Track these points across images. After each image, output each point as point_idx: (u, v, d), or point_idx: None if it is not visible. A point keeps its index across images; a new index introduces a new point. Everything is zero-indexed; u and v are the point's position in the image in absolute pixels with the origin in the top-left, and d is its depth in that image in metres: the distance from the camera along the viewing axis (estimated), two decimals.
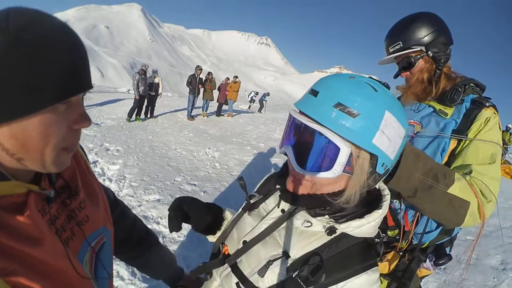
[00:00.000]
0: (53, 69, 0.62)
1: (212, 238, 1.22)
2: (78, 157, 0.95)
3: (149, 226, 4.15)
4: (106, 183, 5.50)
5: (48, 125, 0.65)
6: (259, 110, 24.11)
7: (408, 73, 1.77)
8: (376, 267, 0.86)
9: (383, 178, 0.89)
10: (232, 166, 7.36)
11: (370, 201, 0.92)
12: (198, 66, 13.38)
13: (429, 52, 1.66)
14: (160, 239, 3.92)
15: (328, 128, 0.78)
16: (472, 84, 1.66)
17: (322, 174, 0.81)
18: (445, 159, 1.58)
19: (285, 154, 0.91)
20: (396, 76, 1.83)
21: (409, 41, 1.68)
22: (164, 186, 5.57)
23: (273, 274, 0.86)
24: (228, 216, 1.24)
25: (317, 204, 0.88)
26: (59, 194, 0.82)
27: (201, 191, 5.70)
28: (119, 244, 1.14)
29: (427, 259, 1.71)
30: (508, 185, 9.02)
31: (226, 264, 1.00)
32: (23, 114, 0.62)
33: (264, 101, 25.35)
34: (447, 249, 1.74)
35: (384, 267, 1.74)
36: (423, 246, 1.72)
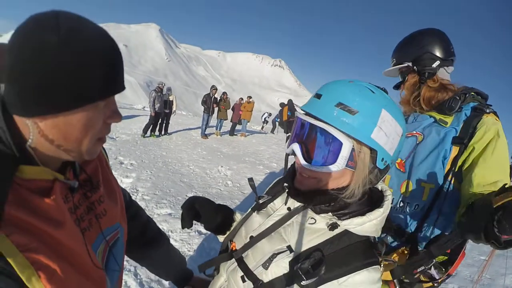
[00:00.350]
0: (99, 70, 0.69)
1: (222, 238, 1.27)
2: (100, 155, 1.02)
3: None
4: None
5: (90, 119, 0.73)
6: (272, 131, 24.18)
7: (402, 85, 1.93)
8: (377, 266, 0.89)
9: (384, 175, 0.94)
10: (244, 185, 7.38)
11: (373, 201, 0.97)
12: (213, 86, 13.59)
13: (415, 67, 1.80)
14: None
15: (331, 125, 0.86)
16: (472, 93, 1.71)
17: (327, 168, 0.88)
18: (448, 166, 1.61)
19: (293, 154, 0.98)
20: (394, 87, 1.97)
21: (400, 58, 1.87)
22: (176, 201, 5.62)
23: (277, 267, 0.90)
24: (238, 217, 1.30)
25: (322, 200, 0.93)
26: (81, 186, 0.88)
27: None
28: (132, 242, 1.17)
29: (432, 267, 1.65)
30: None
31: (233, 259, 1.05)
32: (71, 108, 0.68)
33: (277, 122, 25.38)
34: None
35: (386, 275, 1.71)
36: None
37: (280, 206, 1.06)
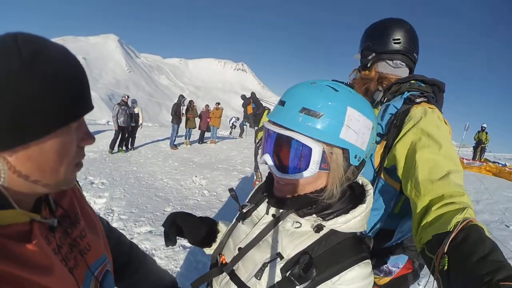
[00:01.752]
0: (66, 91, 0.65)
1: (208, 251, 1.27)
2: (73, 186, 0.96)
3: None
4: None
5: (63, 145, 0.68)
6: (240, 135, 24.18)
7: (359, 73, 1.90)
8: (368, 260, 0.90)
9: (361, 169, 0.96)
10: (221, 193, 7.32)
11: (355, 197, 0.98)
12: (181, 95, 13.48)
13: (360, 58, 1.84)
14: None
15: (298, 132, 0.86)
16: (412, 81, 1.59)
17: (301, 175, 0.89)
18: (376, 163, 1.51)
19: (266, 163, 0.97)
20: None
21: (368, 49, 1.81)
22: (154, 217, 5.48)
23: (269, 276, 0.90)
24: (222, 227, 1.29)
25: (303, 204, 0.94)
26: (60, 223, 0.81)
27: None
28: (119, 272, 1.11)
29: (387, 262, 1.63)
30: (490, 181, 9.51)
31: (225, 273, 1.03)
32: (42, 135, 0.63)
33: (244, 126, 25.42)
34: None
35: None
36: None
37: (264, 213, 1.05)
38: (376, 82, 1.76)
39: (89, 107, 0.72)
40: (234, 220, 1.17)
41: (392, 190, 1.51)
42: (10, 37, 0.62)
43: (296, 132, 0.86)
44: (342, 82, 0.97)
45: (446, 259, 0.89)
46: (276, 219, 0.98)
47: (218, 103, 15.57)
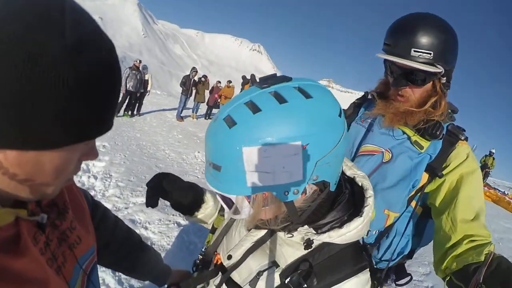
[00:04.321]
0: (97, 104, 0.55)
1: (189, 219, 1.26)
2: None
3: (137, 231, 3.96)
4: (91, 181, 5.24)
5: (65, 161, 0.59)
6: None
7: (408, 89, 1.48)
8: (367, 269, 0.87)
9: (326, 191, 0.82)
10: None
11: (355, 203, 0.88)
12: (193, 68, 13.25)
13: (443, 78, 1.45)
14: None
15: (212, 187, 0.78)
16: (449, 111, 1.52)
17: (242, 216, 0.82)
18: (413, 192, 1.49)
19: None
20: (396, 84, 1.49)
21: (440, 55, 1.37)
22: None
23: (265, 284, 0.87)
24: (209, 198, 1.25)
25: (275, 228, 0.87)
26: (48, 215, 0.70)
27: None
28: (103, 250, 1.04)
29: (388, 279, 1.69)
30: (489, 207, 9.24)
31: (220, 273, 1.00)
32: (47, 148, 0.53)
33: None
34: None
35: None
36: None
37: None
38: (431, 108, 1.48)
39: (107, 129, 0.61)
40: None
41: (416, 215, 1.55)
42: (58, 3, 0.49)
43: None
44: (268, 81, 0.75)
45: (483, 286, 1.06)
46: (269, 231, 0.92)
47: (230, 81, 15.30)
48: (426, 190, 1.48)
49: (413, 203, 1.51)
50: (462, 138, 1.45)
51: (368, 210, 0.84)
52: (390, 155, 1.51)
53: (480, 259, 1.15)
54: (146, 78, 11.82)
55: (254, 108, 0.70)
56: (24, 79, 0.45)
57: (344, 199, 0.86)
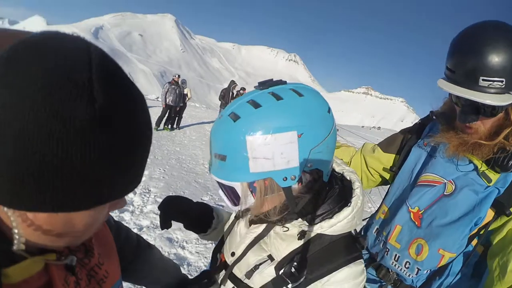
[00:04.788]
0: (126, 168, 0.53)
1: (203, 237, 1.29)
2: None
3: (173, 250, 3.83)
4: (130, 196, 5.20)
5: (95, 218, 0.58)
6: None
7: (479, 121, 1.26)
8: (360, 260, 0.91)
9: (320, 180, 0.89)
10: None
11: (345, 197, 0.93)
12: (233, 81, 13.27)
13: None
14: (185, 267, 3.61)
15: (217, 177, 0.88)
16: None
17: (243, 207, 0.91)
18: (475, 231, 1.29)
19: None
20: (464, 120, 1.27)
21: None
22: None
23: (262, 276, 0.93)
24: (219, 215, 1.29)
25: (272, 220, 0.92)
26: (75, 255, 0.69)
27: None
28: (126, 269, 1.03)
29: None
30: None
31: (223, 271, 1.08)
32: (76, 210, 0.51)
33: None
34: None
35: None
36: None
37: None
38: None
39: (138, 183, 0.60)
40: (233, 218, 1.19)
41: (477, 254, 1.34)
42: (84, 53, 0.48)
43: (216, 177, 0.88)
44: (264, 84, 0.88)
45: None
46: (267, 226, 0.98)
47: None
48: (490, 228, 1.27)
49: (474, 242, 1.31)
50: None
51: (356, 200, 0.91)
52: (453, 187, 1.32)
53: None
54: (185, 92, 11.96)
55: (255, 104, 0.81)
56: (54, 144, 0.43)
57: (335, 193, 0.93)
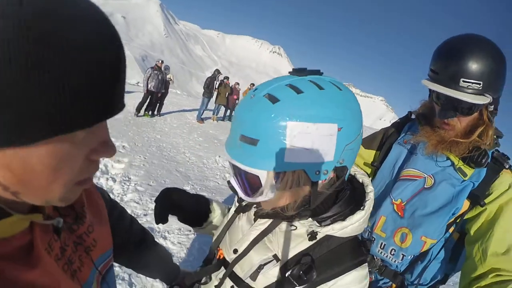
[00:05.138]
0: (77, 83, 0.44)
1: (198, 230, 1.26)
2: None
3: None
4: (109, 183, 5.10)
5: (59, 158, 0.49)
6: None
7: (456, 118, 1.42)
8: (366, 263, 0.90)
9: (342, 178, 0.87)
10: None
11: (356, 198, 0.93)
12: (217, 70, 13.11)
13: (491, 106, 1.39)
14: None
15: (240, 163, 0.79)
16: (494, 136, 1.45)
17: (260, 198, 0.84)
18: (452, 220, 1.44)
19: None
20: (443, 116, 1.42)
21: (489, 85, 1.31)
22: None
23: (266, 277, 0.90)
24: (215, 208, 1.25)
25: (284, 216, 0.90)
26: (64, 219, 0.67)
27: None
28: (118, 249, 1.02)
29: None
30: None
31: (222, 267, 1.03)
32: (21, 142, 0.44)
33: None
34: None
35: None
36: None
37: None
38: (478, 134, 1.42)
39: (112, 111, 0.52)
40: (233, 212, 1.12)
41: (453, 240, 1.50)
42: None
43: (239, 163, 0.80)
44: (300, 72, 0.83)
45: None
46: (273, 222, 0.94)
47: (253, 84, 15.13)
48: (466, 217, 1.43)
49: (451, 229, 1.47)
50: (507, 166, 1.41)
51: (370, 204, 0.91)
52: (433, 181, 1.48)
53: None
54: (167, 78, 11.71)
55: (297, 89, 0.76)
56: None
57: (346, 195, 0.91)
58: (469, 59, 1.29)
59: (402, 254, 1.48)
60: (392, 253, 1.51)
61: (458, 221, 1.44)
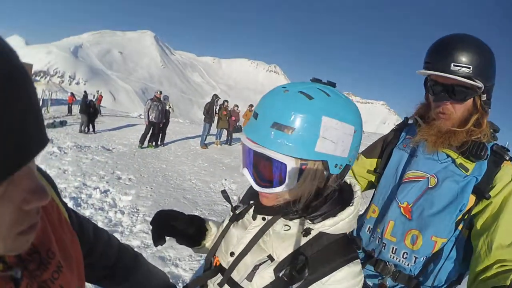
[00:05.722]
0: None
1: (197, 250, 1.28)
2: (48, 206, 0.76)
3: (167, 269, 3.76)
4: (118, 216, 5.12)
5: None
6: None
7: (449, 105, 1.46)
8: (357, 260, 0.93)
9: (345, 175, 0.94)
10: None
11: (344, 198, 0.98)
12: (215, 95, 13.24)
13: (483, 95, 1.43)
14: (180, 285, 3.55)
15: (270, 149, 0.83)
16: (491, 130, 1.49)
17: (278, 189, 0.87)
18: (460, 217, 1.45)
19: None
20: (437, 99, 1.48)
21: (479, 71, 1.37)
22: None
23: (261, 277, 0.92)
24: (211, 226, 1.28)
25: (287, 211, 0.94)
26: (26, 266, 0.64)
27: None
28: (107, 279, 1.10)
29: None
30: None
31: (219, 274, 1.04)
32: None
33: None
34: None
35: None
36: None
37: (255, 217, 1.05)
38: (474, 125, 1.46)
39: (29, 155, 0.46)
40: (227, 221, 1.15)
41: (463, 238, 1.50)
42: None
43: (268, 149, 0.84)
44: (321, 82, 0.93)
45: None
46: (267, 223, 0.99)
47: (251, 105, 15.24)
48: (473, 212, 1.44)
49: (460, 226, 1.47)
50: (507, 158, 1.44)
51: (358, 201, 0.96)
52: (436, 180, 1.49)
53: (506, 283, 1.17)
54: (167, 107, 11.86)
55: (325, 93, 0.86)
56: None
57: (335, 195, 0.97)
58: (458, 47, 1.39)
59: (415, 256, 1.49)
60: (404, 257, 1.52)
61: (466, 217, 1.44)
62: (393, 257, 1.54)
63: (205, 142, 12.85)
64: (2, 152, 0.42)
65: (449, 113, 1.47)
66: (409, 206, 1.52)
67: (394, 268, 1.56)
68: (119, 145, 10.39)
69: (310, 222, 0.92)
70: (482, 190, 1.39)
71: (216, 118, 13.27)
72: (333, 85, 0.92)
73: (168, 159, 9.97)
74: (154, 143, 11.46)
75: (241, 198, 1.21)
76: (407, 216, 1.52)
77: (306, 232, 0.91)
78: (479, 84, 1.37)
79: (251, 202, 1.10)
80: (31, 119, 0.46)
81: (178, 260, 4.00)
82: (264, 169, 0.90)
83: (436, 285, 1.53)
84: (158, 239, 1.15)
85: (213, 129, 13.97)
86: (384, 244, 1.58)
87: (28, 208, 0.51)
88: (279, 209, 0.95)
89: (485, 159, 1.41)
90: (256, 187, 0.92)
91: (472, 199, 1.42)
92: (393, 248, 1.54)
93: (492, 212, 1.38)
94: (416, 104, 1.72)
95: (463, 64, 1.36)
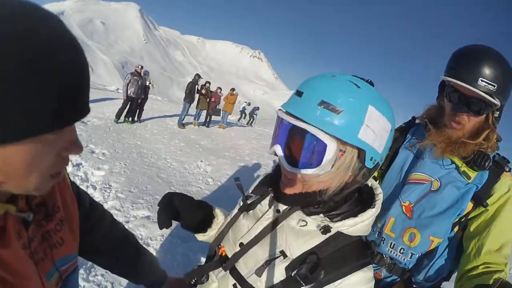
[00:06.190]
0: (50, 91, 0.51)
1: (201, 237, 1.24)
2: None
3: None
4: (90, 191, 4.99)
5: (34, 155, 0.57)
6: (250, 124, 23.79)
7: (465, 116, 1.49)
8: (371, 265, 0.90)
9: (373, 173, 0.92)
10: (226, 184, 6.90)
11: (364, 200, 0.96)
12: (198, 75, 13.04)
13: (497, 112, 1.49)
14: None
15: (314, 126, 0.81)
16: (495, 140, 1.55)
17: (312, 171, 0.84)
18: (456, 220, 1.53)
19: (275, 154, 0.91)
20: (456, 108, 1.49)
21: (501, 90, 1.41)
22: (154, 201, 5.06)
23: (272, 274, 0.88)
24: (218, 214, 1.24)
25: (310, 202, 0.91)
26: (34, 215, 0.74)
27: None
28: (95, 253, 1.14)
29: None
30: None
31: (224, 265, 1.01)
32: (2, 139, 0.51)
33: (255, 115, 25.15)
34: None
35: None
36: None
37: (268, 208, 1.02)
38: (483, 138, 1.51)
39: (79, 116, 0.60)
40: (236, 210, 1.11)
41: (457, 238, 1.58)
42: None
43: (312, 125, 0.81)
44: (363, 79, 0.91)
45: None
46: (281, 216, 0.95)
47: (233, 89, 15.15)
48: (470, 216, 1.52)
49: (456, 229, 1.55)
50: (507, 169, 1.50)
51: (379, 204, 0.93)
52: (439, 184, 1.55)
53: (489, 282, 1.24)
54: (147, 83, 11.60)
55: (370, 84, 0.89)
56: None
57: (354, 196, 0.95)
58: (488, 62, 1.39)
59: (411, 252, 1.57)
60: (401, 252, 1.59)
61: (462, 220, 1.53)
62: (390, 251, 1.62)
63: (183, 122, 12.68)
64: (70, 108, 0.56)
65: (463, 123, 1.50)
66: (411, 206, 1.59)
67: (390, 261, 1.64)
68: (94, 118, 10.06)
69: (328, 220, 0.89)
70: (480, 198, 1.47)
71: (196, 98, 13.08)
72: (372, 84, 0.91)
73: (144, 136, 9.78)
74: (130, 119, 11.19)
75: (253, 188, 1.16)
76: (408, 215, 1.59)
77: (326, 229, 0.88)
78: (497, 102, 1.40)
79: (268, 190, 1.06)
80: (85, 89, 0.59)
81: (150, 239, 3.96)
82: (300, 147, 0.85)
83: (427, 279, 1.61)
84: (163, 222, 1.10)
85: (192, 110, 13.82)
86: (383, 239, 1.65)
87: (65, 154, 0.64)
88: (301, 199, 0.92)
89: (487, 170, 1.47)
90: (287, 166, 0.88)
91: (470, 205, 1.50)
92: (391, 243, 1.62)
93: (486, 218, 1.47)
94: (425, 105, 1.76)
95: (490, 81, 1.38)
